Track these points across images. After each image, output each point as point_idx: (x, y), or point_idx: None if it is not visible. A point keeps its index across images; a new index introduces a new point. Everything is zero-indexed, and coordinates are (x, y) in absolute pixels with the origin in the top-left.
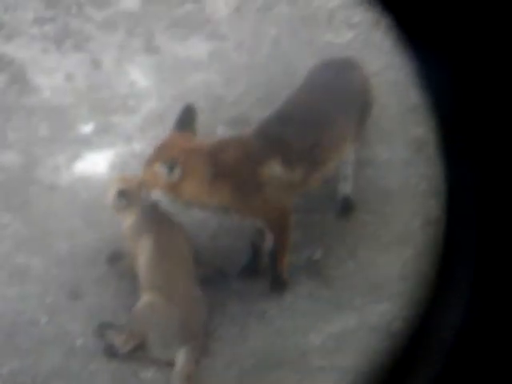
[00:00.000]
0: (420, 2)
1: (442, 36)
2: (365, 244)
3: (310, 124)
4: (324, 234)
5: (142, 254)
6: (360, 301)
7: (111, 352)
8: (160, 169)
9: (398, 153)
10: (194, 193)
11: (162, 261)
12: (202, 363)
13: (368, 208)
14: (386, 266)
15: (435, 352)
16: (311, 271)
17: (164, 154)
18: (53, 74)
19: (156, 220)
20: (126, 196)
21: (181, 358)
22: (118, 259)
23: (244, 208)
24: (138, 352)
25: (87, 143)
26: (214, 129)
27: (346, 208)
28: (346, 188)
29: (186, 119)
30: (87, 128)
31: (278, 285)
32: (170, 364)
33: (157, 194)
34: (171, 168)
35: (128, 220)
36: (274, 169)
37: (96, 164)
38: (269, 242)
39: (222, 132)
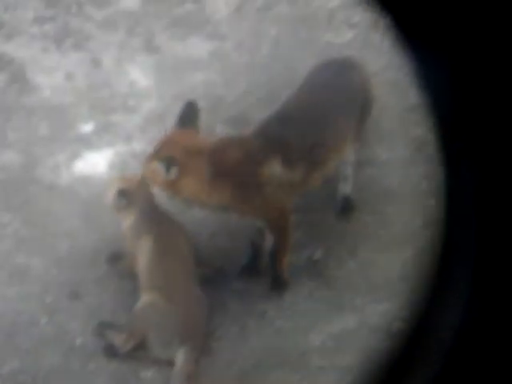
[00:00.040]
0: (418, 2)
1: (440, 36)
2: (365, 244)
3: (310, 124)
4: (324, 234)
5: (142, 253)
6: (360, 301)
7: (111, 351)
8: (158, 166)
9: (398, 152)
10: (193, 191)
11: (161, 261)
12: (202, 363)
13: (368, 208)
14: (386, 266)
15: (434, 352)
16: (311, 271)
17: (163, 151)
18: (53, 74)
19: (156, 220)
20: (126, 196)
21: (181, 357)
22: (117, 259)
23: (243, 207)
24: (138, 352)
25: (87, 143)
26: (214, 128)
27: (346, 208)
28: (346, 188)
29: (188, 116)
30: (87, 127)
31: (278, 285)
32: (170, 364)
33: (156, 191)
34: (169, 166)
35: (128, 220)
36: (274, 169)
37: (96, 163)
38: (269, 241)
39: (221, 131)
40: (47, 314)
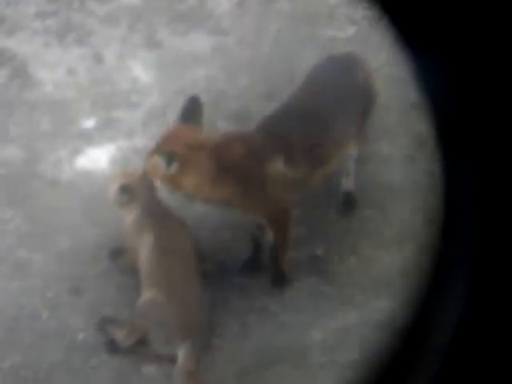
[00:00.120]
0: (417, 3)
1: (440, 37)
2: (366, 240)
3: (313, 121)
4: (326, 229)
5: (144, 249)
6: (361, 297)
7: (112, 347)
8: (159, 161)
9: (399, 148)
10: (194, 186)
11: (163, 256)
12: (204, 359)
13: (370, 204)
14: (387, 262)
15: (434, 351)
16: (313, 267)
17: (164, 146)
18: (55, 69)
19: (158, 215)
20: (128, 191)
21: (182, 353)
22: (119, 254)
23: (245, 204)
24: (140, 347)
25: (89, 138)
26: (215, 123)
27: (348, 204)
28: (348, 184)
29: (191, 111)
30: (89, 123)
31: (279, 280)
32: (172, 359)
33: (158, 186)
34: (169, 161)
35: (130, 215)
36: (277, 166)
37: (98, 159)
38: (270, 237)
39: (223, 127)
40: (49, 308)
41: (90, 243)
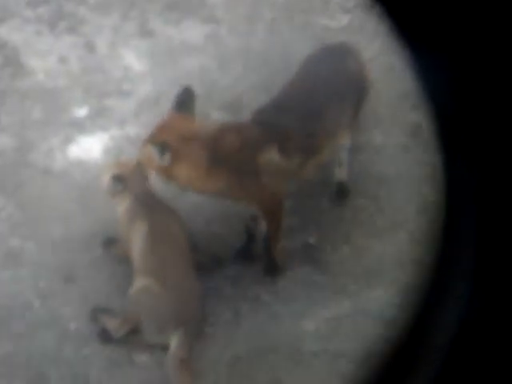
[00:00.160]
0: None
1: (440, 37)
2: (360, 229)
3: (306, 112)
4: (318, 219)
5: (137, 238)
6: (354, 286)
7: (105, 336)
8: (152, 151)
9: (393, 138)
10: (188, 177)
11: (156, 245)
12: (196, 347)
13: (363, 193)
14: (380, 251)
15: (434, 351)
16: (306, 256)
17: (158, 136)
18: (46, 57)
19: (151, 205)
20: (121, 180)
21: (174, 342)
22: (112, 243)
23: (239, 194)
24: (132, 336)
25: (81, 127)
26: (208, 113)
27: (341, 193)
28: (341, 173)
29: (184, 102)
30: (81, 111)
31: (272, 270)
32: (164, 348)
33: (152, 176)
34: (162, 151)
35: (123, 204)
36: (272, 156)
37: (90, 148)
38: (263, 226)
39: (216, 116)
40: (41, 297)
41: (82, 232)
